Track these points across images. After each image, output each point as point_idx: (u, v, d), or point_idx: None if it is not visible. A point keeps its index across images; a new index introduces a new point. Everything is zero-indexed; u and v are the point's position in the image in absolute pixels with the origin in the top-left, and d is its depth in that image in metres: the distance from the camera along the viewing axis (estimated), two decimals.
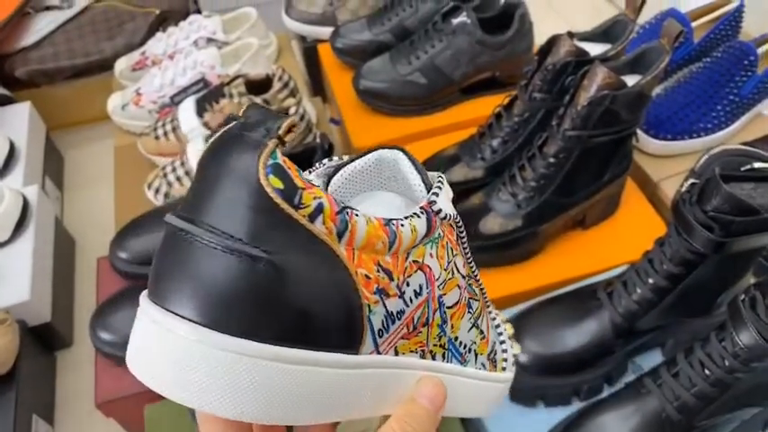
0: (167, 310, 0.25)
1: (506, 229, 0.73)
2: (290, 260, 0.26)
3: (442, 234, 0.32)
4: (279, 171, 0.25)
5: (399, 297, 0.29)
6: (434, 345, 0.33)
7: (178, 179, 0.86)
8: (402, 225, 0.29)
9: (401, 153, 0.34)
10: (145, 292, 0.27)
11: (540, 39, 0.85)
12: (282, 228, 0.25)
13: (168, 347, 0.25)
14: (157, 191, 0.87)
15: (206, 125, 0.91)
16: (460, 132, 0.89)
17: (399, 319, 0.30)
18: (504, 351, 0.41)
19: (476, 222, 0.73)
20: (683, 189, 0.59)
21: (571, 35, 0.73)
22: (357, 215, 0.27)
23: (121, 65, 1.14)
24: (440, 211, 0.32)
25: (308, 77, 1.21)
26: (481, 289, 0.38)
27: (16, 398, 0.80)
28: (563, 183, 0.71)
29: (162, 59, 1.09)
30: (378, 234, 0.28)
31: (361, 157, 0.34)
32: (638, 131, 0.83)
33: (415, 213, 0.31)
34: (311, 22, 1.14)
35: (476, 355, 0.37)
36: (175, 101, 1.01)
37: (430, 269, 0.31)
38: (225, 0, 1.32)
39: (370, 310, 0.28)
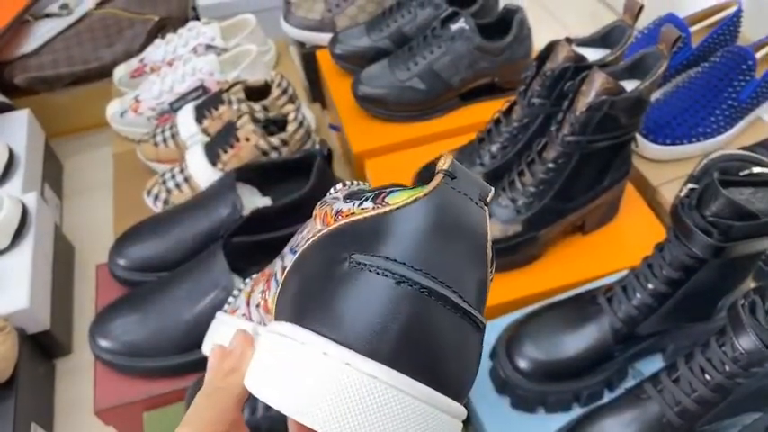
0: (392, 369, 0.24)
1: (506, 235, 0.72)
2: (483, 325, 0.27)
3: None
4: (491, 243, 0.27)
5: None
6: None
7: (177, 186, 0.86)
8: None
9: None
10: (322, 341, 0.25)
11: (538, 44, 0.85)
12: (485, 290, 0.27)
13: (386, 403, 0.24)
14: (156, 198, 0.87)
15: (205, 131, 0.91)
16: (459, 138, 0.89)
17: None
18: None
19: None
20: (682, 194, 0.59)
21: (569, 41, 0.74)
22: None
23: (120, 72, 1.15)
24: None
25: (306, 83, 1.21)
26: None
27: (15, 405, 0.79)
28: (562, 188, 0.71)
29: (161, 66, 1.09)
30: None
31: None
32: (638, 136, 0.83)
33: None
34: (310, 29, 1.14)
35: None
36: (174, 107, 1.01)
37: None
38: (223, 7, 1.33)
39: None
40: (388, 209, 0.27)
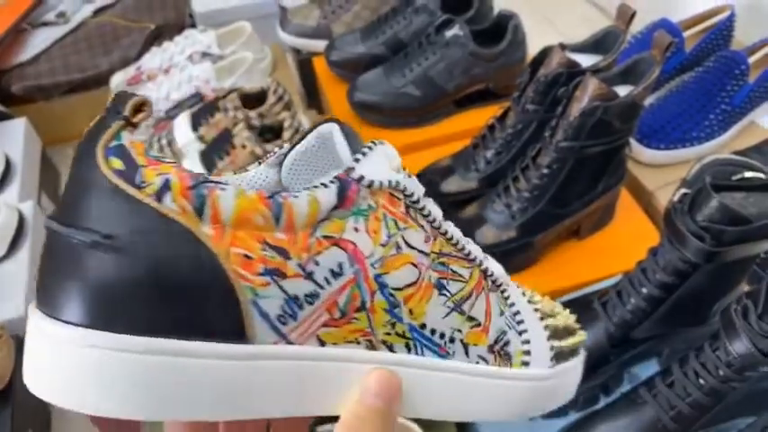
0: (48, 316, 0.25)
1: (501, 240, 0.73)
2: (143, 244, 0.24)
3: (375, 206, 0.29)
4: (120, 151, 0.25)
5: (306, 278, 0.27)
6: (386, 334, 0.29)
7: None
8: (295, 197, 0.27)
9: (336, 125, 0.31)
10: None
11: (532, 50, 0.85)
12: (128, 210, 0.24)
13: (48, 354, 0.24)
14: None
15: (201, 139, 0.92)
16: (454, 144, 0.89)
17: (312, 304, 0.27)
18: (527, 342, 0.35)
19: (470, 233, 0.73)
20: (675, 199, 0.60)
21: (563, 46, 0.74)
22: (223, 189, 0.25)
23: (117, 80, 1.15)
24: (362, 178, 0.29)
25: (302, 90, 1.21)
26: (484, 270, 0.34)
27: (12, 413, 0.79)
28: (557, 193, 0.71)
29: (157, 74, 1.09)
30: (255, 208, 0.26)
31: (304, 137, 0.31)
32: (632, 141, 0.83)
33: (321, 183, 0.28)
34: (306, 36, 1.14)
35: (465, 345, 0.32)
36: (170, 115, 1.01)
37: (354, 245, 0.28)
38: (220, 14, 1.33)
39: (255, 294, 0.26)
40: None
